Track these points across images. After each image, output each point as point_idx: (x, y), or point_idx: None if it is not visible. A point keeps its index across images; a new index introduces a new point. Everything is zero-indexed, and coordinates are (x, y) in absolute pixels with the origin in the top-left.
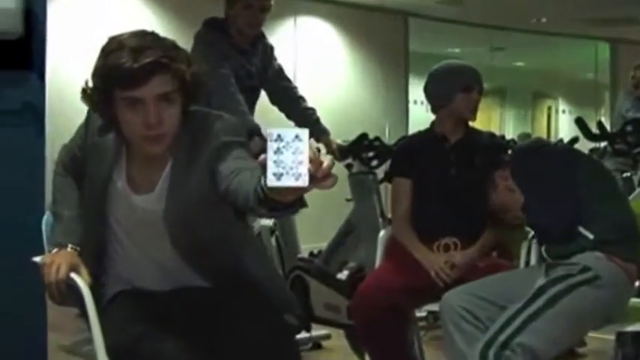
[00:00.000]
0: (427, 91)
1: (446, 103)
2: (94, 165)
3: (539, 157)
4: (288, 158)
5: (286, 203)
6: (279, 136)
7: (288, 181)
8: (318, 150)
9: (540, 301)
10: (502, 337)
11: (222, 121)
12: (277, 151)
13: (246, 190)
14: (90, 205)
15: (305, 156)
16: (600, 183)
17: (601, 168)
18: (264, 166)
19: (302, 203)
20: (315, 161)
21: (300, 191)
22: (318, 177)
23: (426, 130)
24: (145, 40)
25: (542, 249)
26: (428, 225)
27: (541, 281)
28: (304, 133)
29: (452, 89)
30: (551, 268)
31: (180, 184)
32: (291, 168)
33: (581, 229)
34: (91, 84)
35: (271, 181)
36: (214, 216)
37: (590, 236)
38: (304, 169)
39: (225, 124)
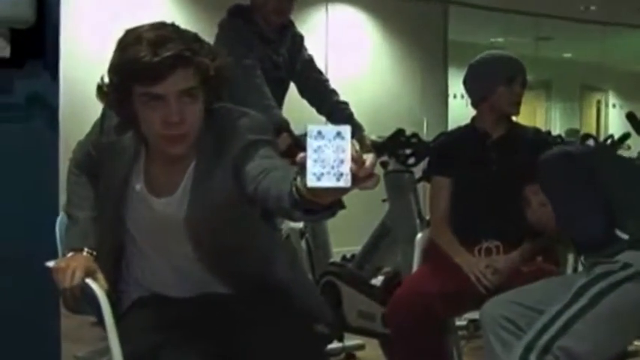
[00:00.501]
0: (467, 84)
1: (486, 96)
2: (110, 166)
3: (563, 166)
4: (330, 157)
5: (324, 205)
6: (319, 132)
7: (329, 182)
8: (367, 149)
9: (582, 302)
10: (542, 341)
11: (248, 118)
12: (318, 149)
13: (278, 192)
14: (106, 209)
15: (347, 154)
16: (630, 181)
17: (629, 164)
18: (302, 165)
19: (340, 205)
20: (357, 160)
21: (341, 192)
22: (361, 177)
23: (466, 126)
24: (165, 31)
25: (582, 258)
26: (468, 227)
27: (581, 281)
28: (346, 130)
29: (492, 81)
30: (591, 267)
31: (204, 187)
32: (333, 167)
33: (617, 232)
34: (107, 80)
35: (311, 181)
36: (239, 219)
37: (626, 237)
38: (347, 169)
39: (252, 121)
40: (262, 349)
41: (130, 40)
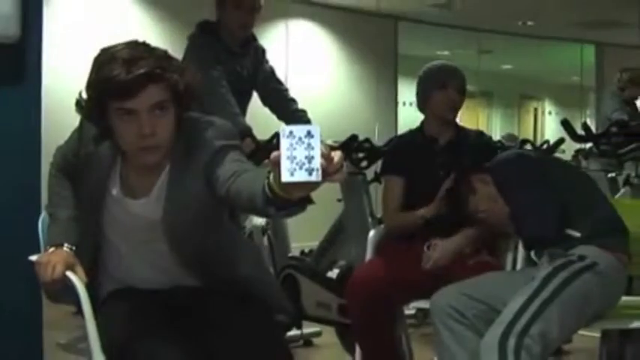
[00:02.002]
0: (416, 92)
1: (426, 101)
2: (89, 173)
3: (520, 165)
4: (301, 154)
5: (294, 201)
6: (291, 132)
7: (301, 177)
8: (331, 147)
9: (551, 287)
10: (519, 326)
11: (215, 126)
12: (290, 147)
13: (250, 192)
14: (85, 212)
15: (317, 151)
16: (580, 185)
17: (577, 170)
18: (276, 164)
19: (309, 200)
20: (326, 156)
21: (312, 187)
22: (330, 172)
23: (417, 129)
24: (137, 51)
25: (532, 253)
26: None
27: (545, 270)
28: (316, 129)
29: (429, 88)
30: (553, 258)
31: (178, 191)
32: (304, 163)
33: (568, 231)
34: (85, 95)
35: (285, 177)
36: (209, 220)
37: (577, 234)
38: (317, 164)
39: (219, 128)
40: (229, 336)
41: (105, 58)
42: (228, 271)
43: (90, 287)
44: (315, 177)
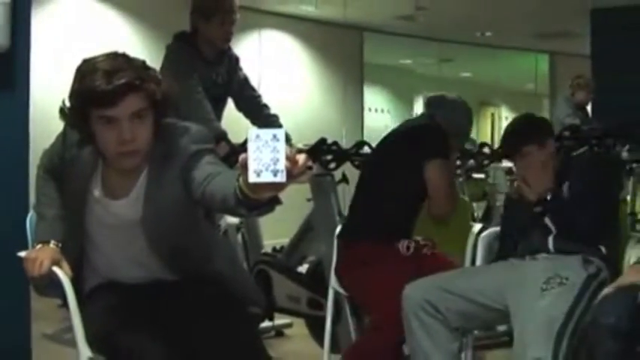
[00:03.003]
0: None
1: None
2: (73, 175)
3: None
4: (267, 156)
5: (263, 202)
6: (257, 135)
7: (267, 177)
8: (299, 150)
9: (587, 295)
10: (569, 329)
11: (191, 132)
12: (257, 149)
13: (223, 193)
14: (69, 212)
15: (282, 154)
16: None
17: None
18: (244, 166)
19: (277, 201)
20: (291, 159)
21: (278, 188)
22: (294, 173)
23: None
24: (117, 62)
25: (520, 249)
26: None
27: (580, 276)
28: (281, 132)
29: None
30: (587, 263)
31: (156, 192)
32: (270, 165)
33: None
34: (68, 104)
35: (252, 178)
36: (186, 220)
37: (603, 249)
38: (282, 166)
39: (194, 134)
40: (205, 327)
41: (87, 69)
42: (205, 266)
43: (75, 282)
44: (280, 178)
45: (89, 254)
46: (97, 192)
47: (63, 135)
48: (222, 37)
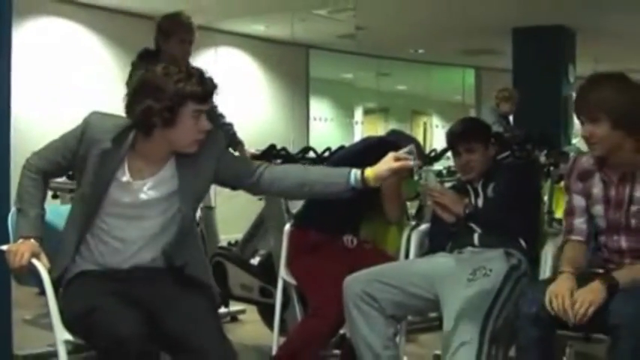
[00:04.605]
0: None
1: None
2: (101, 165)
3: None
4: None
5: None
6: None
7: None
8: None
9: (510, 284)
10: (492, 317)
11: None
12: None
13: (324, 182)
14: (82, 200)
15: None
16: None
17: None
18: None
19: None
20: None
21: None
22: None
23: None
24: (197, 70)
25: (449, 246)
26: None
27: (502, 266)
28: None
29: None
30: (509, 256)
31: (189, 168)
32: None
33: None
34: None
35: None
36: (199, 199)
37: (524, 244)
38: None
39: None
40: (178, 311)
41: (181, 76)
42: (186, 250)
43: (51, 271)
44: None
45: (89, 241)
46: (124, 177)
47: (81, 133)
48: (182, 53)
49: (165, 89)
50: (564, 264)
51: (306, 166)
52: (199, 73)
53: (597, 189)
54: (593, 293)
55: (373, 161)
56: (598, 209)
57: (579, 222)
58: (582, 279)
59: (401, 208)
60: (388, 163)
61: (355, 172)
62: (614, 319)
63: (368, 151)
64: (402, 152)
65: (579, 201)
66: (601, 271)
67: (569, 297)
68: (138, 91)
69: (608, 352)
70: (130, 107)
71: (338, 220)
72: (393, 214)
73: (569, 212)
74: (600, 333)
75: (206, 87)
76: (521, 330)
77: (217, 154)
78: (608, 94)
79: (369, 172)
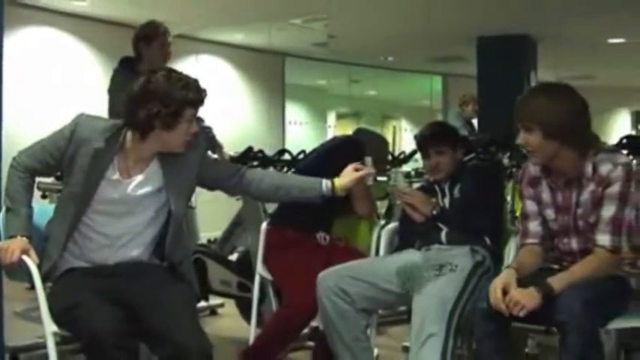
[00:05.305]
0: None
1: None
2: (93, 163)
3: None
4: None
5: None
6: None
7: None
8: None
9: (474, 280)
10: (459, 310)
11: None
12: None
13: (299, 187)
14: (70, 199)
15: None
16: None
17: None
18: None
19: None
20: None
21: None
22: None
23: None
24: (194, 80)
25: (417, 244)
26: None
27: (468, 262)
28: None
29: None
30: (474, 253)
31: (173, 164)
32: None
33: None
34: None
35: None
36: (188, 196)
37: (489, 241)
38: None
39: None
40: (158, 306)
41: (183, 83)
42: (179, 247)
43: (40, 267)
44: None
45: (77, 238)
46: (115, 176)
47: (70, 133)
48: (162, 57)
49: (173, 95)
50: (514, 262)
51: (282, 172)
52: (195, 81)
53: (546, 194)
54: (527, 297)
55: (340, 158)
56: (549, 213)
57: (533, 225)
58: (537, 274)
59: (370, 205)
60: (349, 175)
61: (326, 182)
62: (562, 315)
63: (334, 150)
64: (358, 164)
65: (531, 205)
66: (556, 267)
67: (500, 288)
68: (143, 97)
69: (559, 346)
70: (132, 111)
71: (311, 218)
72: (364, 211)
73: (524, 216)
74: (552, 326)
75: (203, 94)
76: (477, 324)
77: (199, 155)
78: (541, 105)
79: (337, 182)
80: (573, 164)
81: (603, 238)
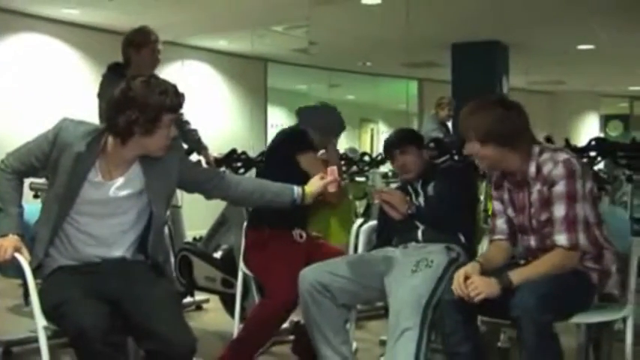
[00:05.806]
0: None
1: None
2: (75, 166)
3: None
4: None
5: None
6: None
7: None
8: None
9: (448, 275)
10: (434, 301)
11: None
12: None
13: (273, 192)
14: (54, 200)
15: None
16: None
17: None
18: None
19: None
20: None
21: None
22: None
23: None
24: (173, 86)
25: (395, 241)
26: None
27: (444, 258)
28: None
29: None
30: (449, 250)
31: (154, 166)
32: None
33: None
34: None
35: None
36: (169, 197)
37: (463, 239)
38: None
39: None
40: (142, 301)
41: (162, 89)
42: (158, 246)
43: (32, 264)
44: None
45: (62, 237)
46: (97, 178)
47: (54, 137)
48: (151, 64)
49: (150, 102)
50: (480, 257)
51: (258, 179)
52: (173, 87)
53: (507, 195)
54: (486, 285)
55: (286, 151)
56: (510, 212)
57: (500, 222)
58: (503, 269)
59: (338, 194)
60: (315, 183)
61: (297, 189)
62: (516, 310)
63: (279, 147)
64: (322, 174)
65: (497, 205)
66: (522, 262)
67: (463, 276)
68: (122, 103)
69: (517, 340)
70: (112, 118)
71: (286, 215)
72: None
73: (493, 214)
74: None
75: (181, 100)
76: (446, 315)
77: (179, 158)
78: (474, 116)
79: (307, 189)
80: (519, 166)
81: (560, 238)
